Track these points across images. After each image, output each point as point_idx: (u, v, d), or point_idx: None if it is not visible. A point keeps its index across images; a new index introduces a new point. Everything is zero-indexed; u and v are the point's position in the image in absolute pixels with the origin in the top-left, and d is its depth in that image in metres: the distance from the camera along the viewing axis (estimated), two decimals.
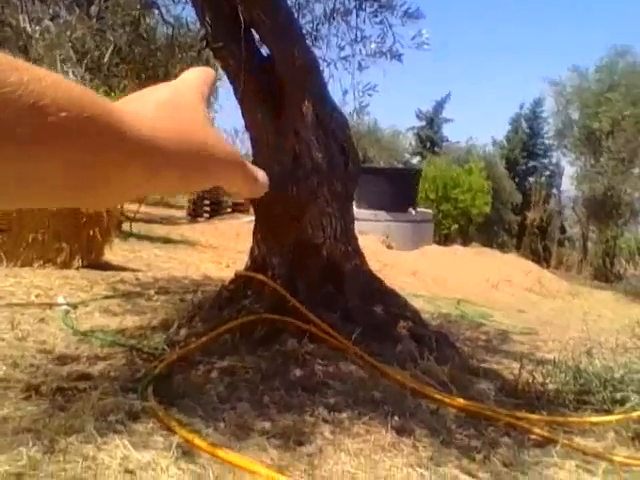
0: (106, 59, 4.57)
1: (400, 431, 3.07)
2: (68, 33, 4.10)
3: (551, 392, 3.91)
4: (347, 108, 5.23)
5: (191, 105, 0.48)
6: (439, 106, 35.69)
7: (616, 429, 3.30)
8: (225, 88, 4.96)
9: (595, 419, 3.44)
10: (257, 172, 0.55)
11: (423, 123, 35.93)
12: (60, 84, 0.37)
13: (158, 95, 0.46)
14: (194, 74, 0.52)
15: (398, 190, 16.26)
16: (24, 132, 0.35)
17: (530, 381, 4.01)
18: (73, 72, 4.37)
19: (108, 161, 0.39)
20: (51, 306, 5.27)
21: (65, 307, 5.21)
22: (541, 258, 24.83)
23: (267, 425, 3.03)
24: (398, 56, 5.11)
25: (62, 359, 3.88)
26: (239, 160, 0.51)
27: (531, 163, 32.92)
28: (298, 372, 3.64)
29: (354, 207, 5.27)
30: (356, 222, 5.12)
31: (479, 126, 68.76)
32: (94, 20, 4.35)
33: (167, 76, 5.34)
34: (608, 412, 3.51)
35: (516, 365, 4.40)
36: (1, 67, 0.34)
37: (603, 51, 23.48)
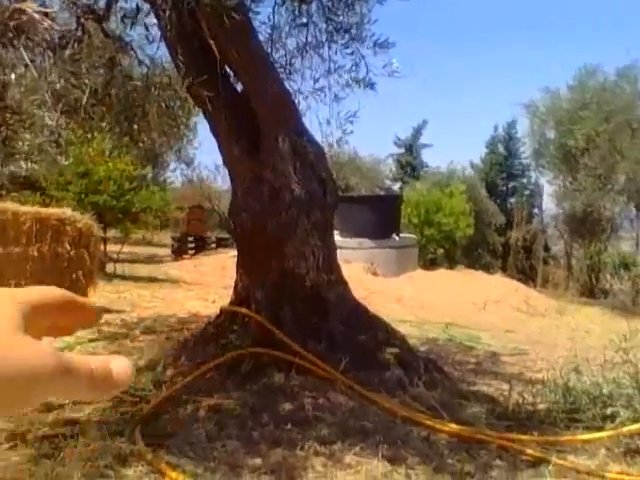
0: (84, 102, 4.58)
1: (392, 460, 3.04)
2: (43, 78, 4.12)
3: (542, 412, 3.91)
4: (329, 139, 5.26)
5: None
6: (417, 132, 36.09)
7: (607, 445, 3.30)
8: (204, 124, 5.01)
9: (586, 437, 3.43)
10: (105, 365, 0.44)
11: (402, 150, 36.27)
12: None
13: None
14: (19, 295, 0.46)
15: (381, 217, 16.33)
16: None
17: (520, 402, 4.00)
18: (49, 117, 4.38)
19: None
20: None
21: None
22: (527, 277, 24.97)
23: (258, 461, 2.99)
24: (371, 85, 5.18)
25: (47, 406, 3.81)
26: (63, 367, 0.41)
27: (511, 184, 33.29)
28: (287, 406, 3.61)
29: (338, 236, 5.30)
30: (341, 251, 5.13)
31: (457, 150, 69.62)
32: (68, 64, 4.37)
33: (145, 115, 5.38)
34: (599, 429, 3.50)
35: (506, 387, 4.39)
36: None
37: (571, 71, 23.99)
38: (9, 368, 0.39)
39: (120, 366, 0.44)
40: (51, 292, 0.49)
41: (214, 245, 21.37)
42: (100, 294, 8.47)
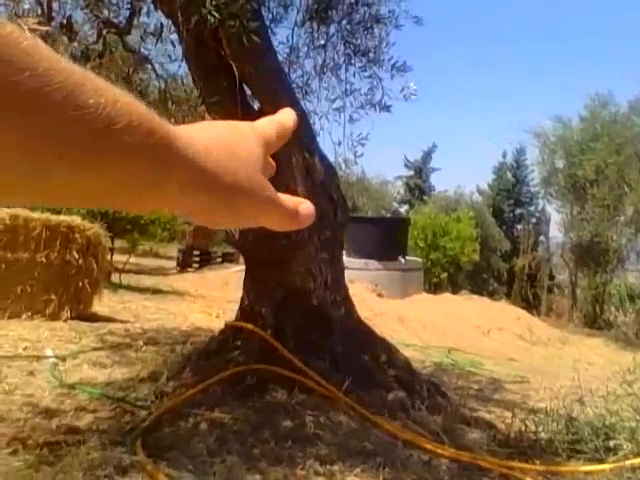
0: None
1: None
2: None
3: (543, 441, 3.89)
4: (339, 159, 5.30)
5: (246, 144, 0.52)
6: (427, 155, 36.23)
7: (610, 478, 3.28)
8: None
9: (588, 468, 3.41)
10: (296, 205, 0.56)
11: (411, 172, 36.38)
12: (131, 106, 0.40)
13: (217, 129, 0.51)
14: (268, 120, 0.57)
15: (388, 239, 16.34)
16: (91, 149, 0.38)
17: (522, 430, 3.99)
18: None
19: (152, 182, 0.43)
20: (39, 359, 5.22)
21: (53, 360, 5.16)
22: (531, 305, 24.87)
23: (257, 478, 2.98)
24: (387, 107, 5.23)
25: (49, 413, 3.82)
26: (273, 201, 0.54)
27: (518, 210, 33.31)
28: (288, 423, 3.60)
29: (344, 256, 5.31)
30: (346, 271, 5.14)
31: (465, 175, 70.03)
32: None
33: None
34: (601, 461, 3.48)
35: (508, 414, 4.38)
36: (84, 88, 0.37)
37: (579, 99, 24.11)
38: (256, 200, 0.51)
39: (305, 208, 0.56)
40: (282, 129, 0.58)
41: (220, 260, 21.41)
42: (105, 304, 8.50)
